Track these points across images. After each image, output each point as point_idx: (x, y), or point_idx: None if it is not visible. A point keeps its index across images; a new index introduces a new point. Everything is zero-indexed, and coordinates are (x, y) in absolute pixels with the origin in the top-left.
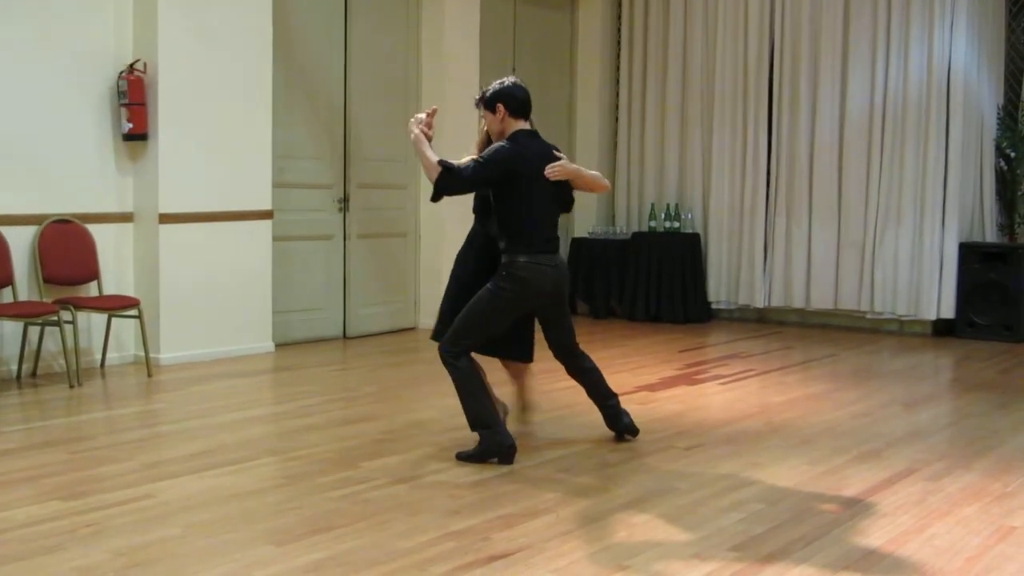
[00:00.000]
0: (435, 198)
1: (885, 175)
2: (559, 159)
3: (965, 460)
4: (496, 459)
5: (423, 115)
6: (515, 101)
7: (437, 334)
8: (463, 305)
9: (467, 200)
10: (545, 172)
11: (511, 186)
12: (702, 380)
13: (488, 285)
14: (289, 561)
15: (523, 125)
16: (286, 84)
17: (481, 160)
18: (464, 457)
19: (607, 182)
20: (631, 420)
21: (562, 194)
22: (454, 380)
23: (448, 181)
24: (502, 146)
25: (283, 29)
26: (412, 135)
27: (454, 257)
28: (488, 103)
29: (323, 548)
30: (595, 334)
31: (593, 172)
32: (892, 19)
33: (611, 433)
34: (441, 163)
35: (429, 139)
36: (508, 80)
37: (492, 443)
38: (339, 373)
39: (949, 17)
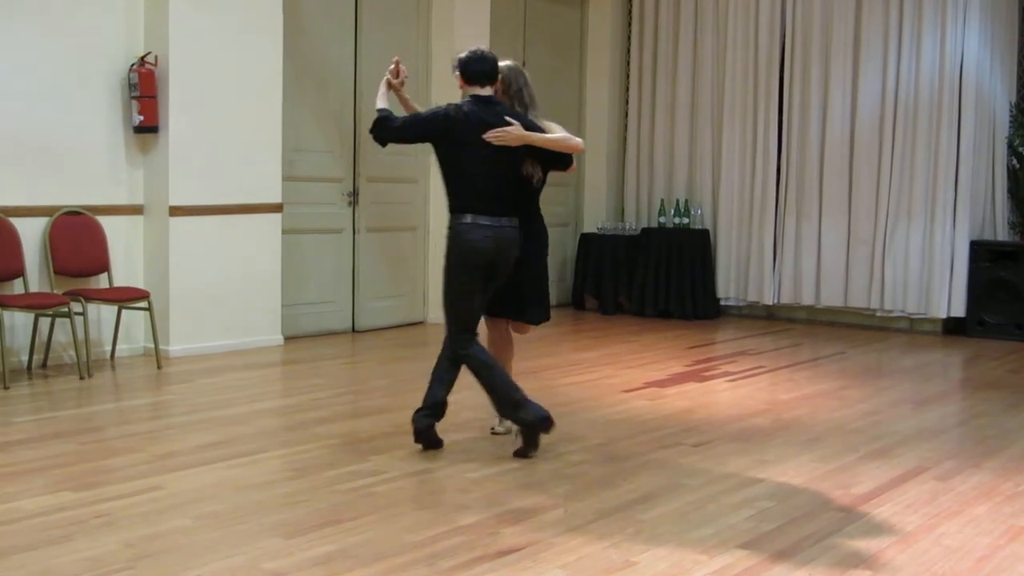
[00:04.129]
0: (376, 139)
1: (896, 172)
2: (507, 125)
3: (975, 459)
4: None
5: (392, 65)
6: (466, 69)
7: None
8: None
9: None
10: (486, 136)
11: (445, 147)
12: (711, 377)
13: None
14: (298, 553)
15: (477, 91)
16: (296, 77)
17: (413, 117)
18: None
19: (577, 141)
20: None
21: (516, 160)
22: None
23: (376, 128)
24: (438, 108)
25: (294, 22)
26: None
27: None
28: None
29: (332, 541)
30: (604, 330)
31: (555, 135)
32: (904, 15)
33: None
34: (380, 110)
35: (394, 89)
36: (470, 49)
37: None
38: (348, 366)
39: (962, 14)
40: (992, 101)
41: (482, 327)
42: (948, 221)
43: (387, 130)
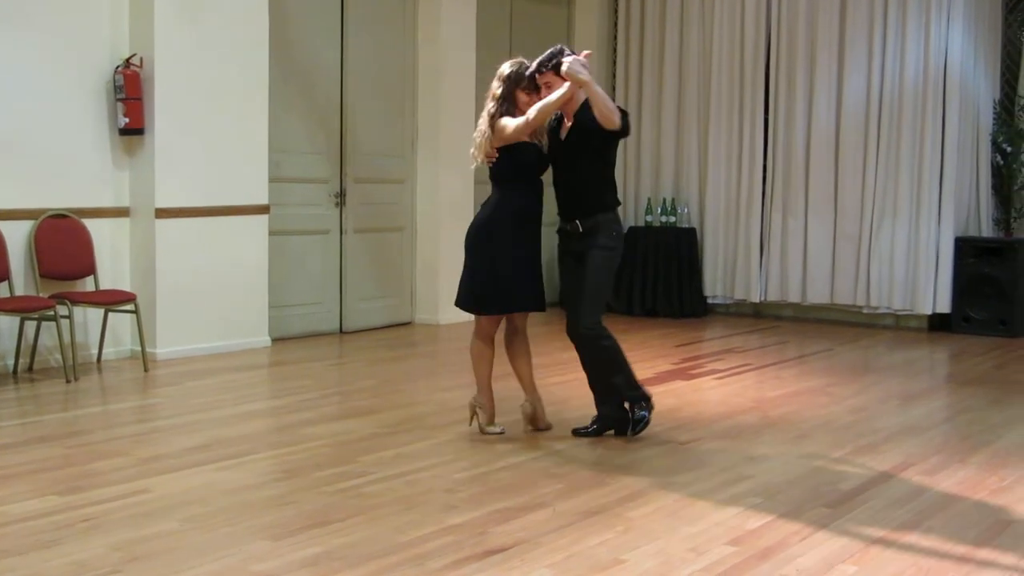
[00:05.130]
0: (623, 134)
1: (881, 169)
2: None
3: (961, 455)
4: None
5: (583, 57)
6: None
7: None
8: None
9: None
10: None
11: (616, 145)
12: (698, 375)
13: (597, 248)
14: (286, 555)
15: None
16: (283, 78)
17: (626, 112)
18: (588, 432)
19: None
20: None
21: None
22: (606, 355)
23: (628, 121)
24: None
25: (280, 23)
26: (582, 75)
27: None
28: (560, 71)
29: (320, 542)
30: None
31: None
32: (888, 13)
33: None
34: (619, 107)
35: None
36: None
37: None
38: (336, 368)
39: (946, 11)
40: (976, 98)
41: (464, 324)
42: (933, 218)
43: (630, 125)
